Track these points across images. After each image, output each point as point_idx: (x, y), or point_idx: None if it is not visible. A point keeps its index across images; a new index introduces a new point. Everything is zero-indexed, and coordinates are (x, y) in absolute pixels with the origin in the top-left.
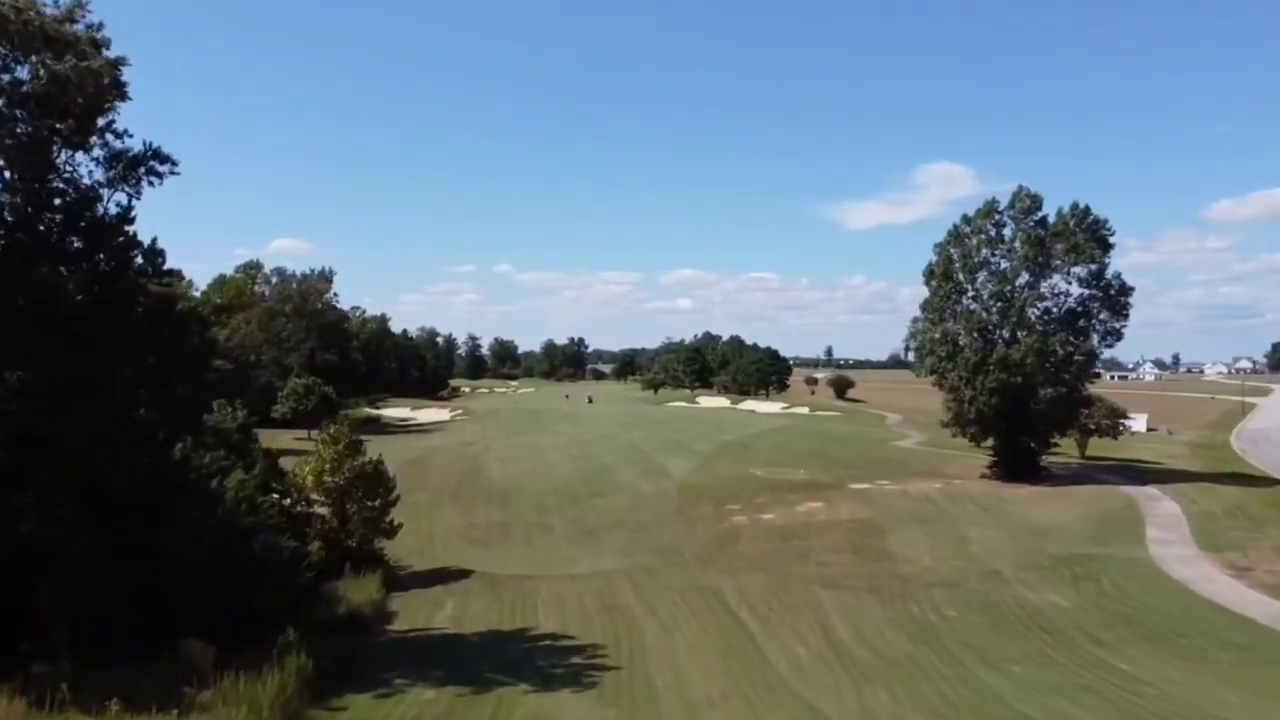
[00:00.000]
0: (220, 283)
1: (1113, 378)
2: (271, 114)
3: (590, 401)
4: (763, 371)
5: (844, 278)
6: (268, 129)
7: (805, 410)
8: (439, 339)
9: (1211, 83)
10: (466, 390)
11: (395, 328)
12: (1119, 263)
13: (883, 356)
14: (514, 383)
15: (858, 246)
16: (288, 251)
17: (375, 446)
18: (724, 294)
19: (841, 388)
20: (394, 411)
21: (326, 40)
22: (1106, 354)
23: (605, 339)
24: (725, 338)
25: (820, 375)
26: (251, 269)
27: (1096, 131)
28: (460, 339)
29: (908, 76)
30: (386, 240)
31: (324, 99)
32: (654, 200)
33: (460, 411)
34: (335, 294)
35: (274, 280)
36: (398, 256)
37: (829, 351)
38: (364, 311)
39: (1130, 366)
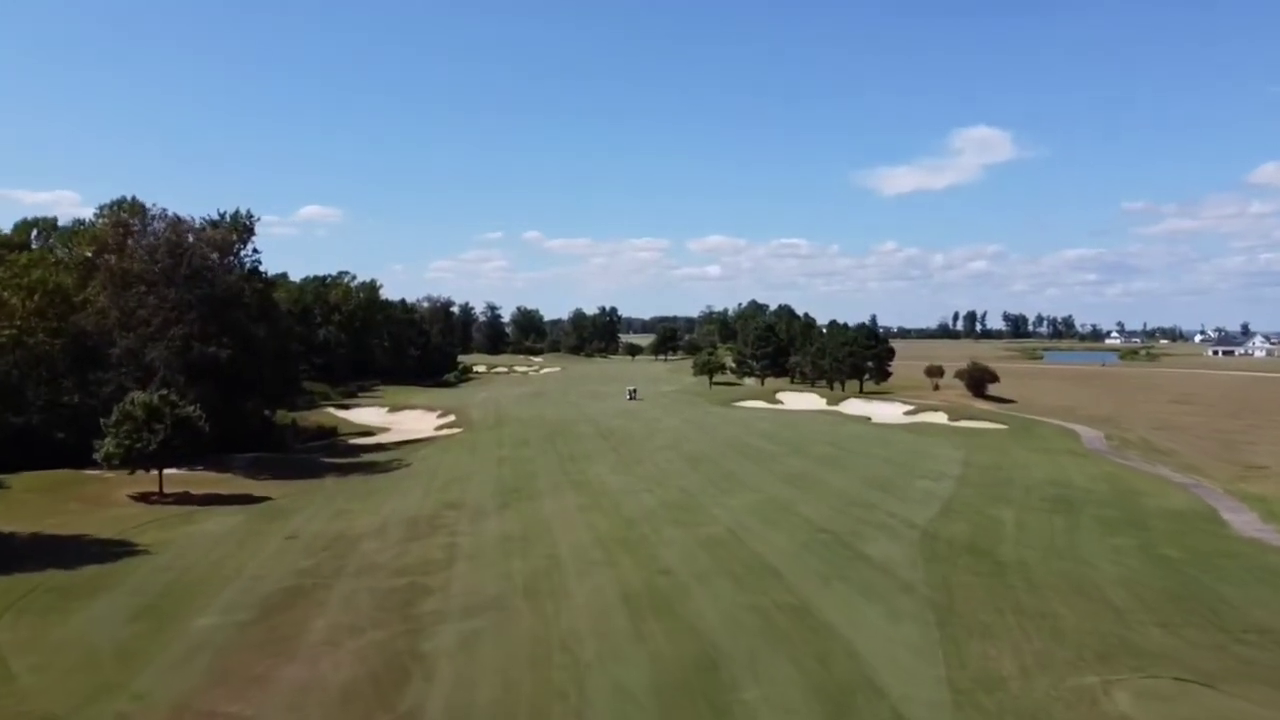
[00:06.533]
0: (73, 230)
1: (1215, 353)
2: (302, 81)
3: (631, 398)
4: (856, 356)
5: (876, 244)
6: (298, 96)
7: (943, 418)
8: (454, 309)
9: (1259, 43)
10: (481, 370)
11: (425, 294)
12: (1154, 229)
13: (924, 324)
14: (538, 359)
15: (891, 212)
16: (317, 218)
17: (222, 543)
18: (754, 260)
19: (979, 382)
20: (366, 414)
21: (358, 9)
22: (1159, 323)
23: (635, 307)
24: (773, 307)
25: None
26: (123, 210)
27: (1137, 94)
28: (479, 308)
29: (943, 39)
30: (417, 206)
31: (354, 66)
32: (683, 166)
33: (452, 419)
34: (255, 251)
35: (155, 227)
36: (428, 223)
37: (873, 320)
38: (354, 278)
39: (1234, 338)
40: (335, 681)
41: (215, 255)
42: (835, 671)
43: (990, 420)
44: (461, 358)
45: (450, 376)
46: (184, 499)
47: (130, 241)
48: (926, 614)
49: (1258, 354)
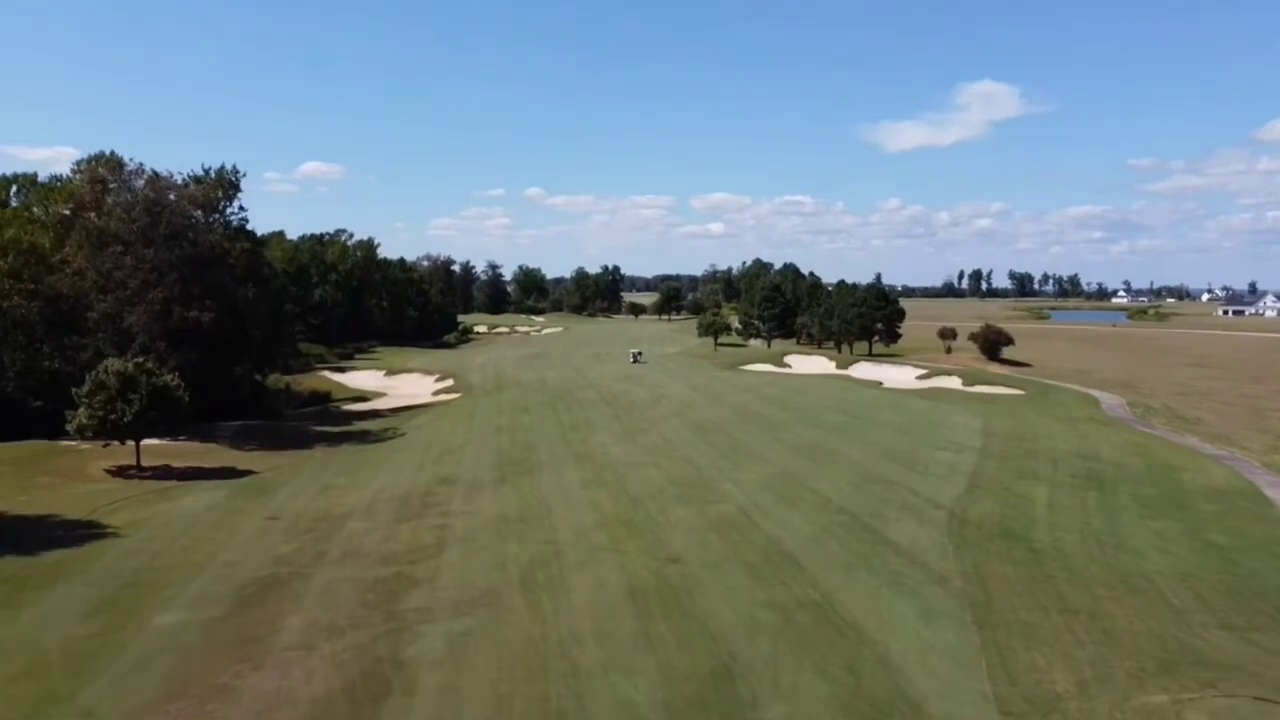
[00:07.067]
0: (49, 187)
1: (1226, 313)
2: (301, 36)
3: (635, 360)
4: (865, 317)
5: (880, 201)
6: (297, 51)
7: (958, 383)
8: (455, 268)
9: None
10: (482, 330)
11: (425, 253)
12: (1161, 186)
13: (928, 283)
14: (540, 319)
15: (895, 169)
16: (318, 175)
17: (198, 524)
18: (757, 218)
19: (994, 345)
20: (362, 377)
21: None
22: (1163, 282)
23: (638, 265)
24: (778, 265)
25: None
26: (100, 165)
27: (1146, 50)
28: (480, 267)
29: None
30: (419, 164)
31: (355, 21)
32: (686, 121)
33: (450, 383)
34: (241, 208)
35: (134, 184)
36: (430, 180)
37: (879, 278)
38: (351, 236)
39: (1241, 297)
40: (306, 695)
41: (198, 213)
42: (867, 685)
43: (1006, 385)
44: (462, 318)
45: (450, 337)
46: (163, 473)
47: (109, 199)
48: (963, 612)
49: (1269, 314)
